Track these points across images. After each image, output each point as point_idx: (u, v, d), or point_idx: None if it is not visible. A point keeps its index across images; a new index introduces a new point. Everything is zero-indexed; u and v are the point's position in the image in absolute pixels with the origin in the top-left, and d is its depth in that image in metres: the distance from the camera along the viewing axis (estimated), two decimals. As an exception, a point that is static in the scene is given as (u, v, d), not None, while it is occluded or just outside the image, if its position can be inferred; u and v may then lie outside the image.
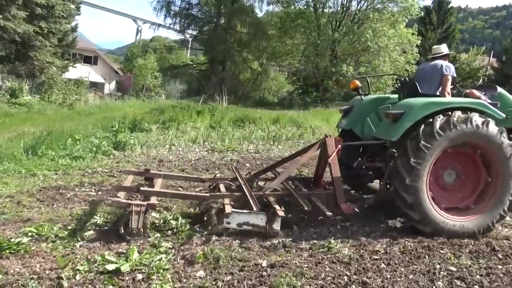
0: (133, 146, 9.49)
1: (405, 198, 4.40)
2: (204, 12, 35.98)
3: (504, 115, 4.80)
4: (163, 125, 13.16)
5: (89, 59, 53.98)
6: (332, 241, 4.22)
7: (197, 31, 39.39)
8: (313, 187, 5.45)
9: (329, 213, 4.48)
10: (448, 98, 5.18)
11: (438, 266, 3.77)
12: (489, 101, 5.19)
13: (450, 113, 4.45)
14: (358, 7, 35.98)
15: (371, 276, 3.54)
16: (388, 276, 3.56)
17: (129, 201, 4.31)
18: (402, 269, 3.71)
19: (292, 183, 5.53)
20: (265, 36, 37.13)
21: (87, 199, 5.63)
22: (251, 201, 4.53)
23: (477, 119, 4.46)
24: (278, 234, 4.33)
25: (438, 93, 5.37)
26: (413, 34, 35.72)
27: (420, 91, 5.25)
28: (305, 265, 3.70)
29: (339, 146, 4.93)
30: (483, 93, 5.55)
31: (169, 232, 4.43)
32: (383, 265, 3.77)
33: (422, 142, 4.36)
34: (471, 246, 4.30)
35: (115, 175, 7.10)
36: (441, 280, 3.53)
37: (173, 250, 3.97)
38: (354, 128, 5.75)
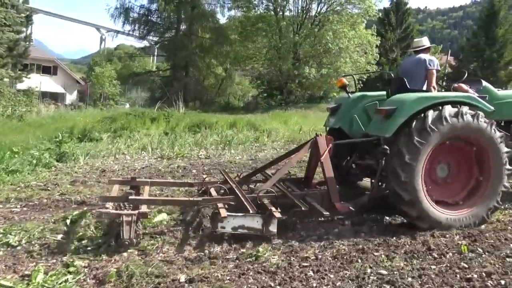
0: (76, 156, 9.00)
1: (402, 195, 4.38)
2: (163, 18, 35.39)
3: (493, 108, 4.86)
4: (115, 134, 12.67)
5: (48, 69, 52.37)
6: (261, 249, 3.96)
7: (158, 38, 38.79)
8: (303, 187, 5.37)
9: (326, 213, 4.46)
10: (440, 93, 5.21)
11: (369, 270, 3.57)
12: (477, 94, 5.20)
13: (440, 107, 4.47)
14: (318, 10, 36.31)
15: (297, 286, 3.30)
16: (315, 285, 3.32)
17: (119, 212, 4.19)
18: (331, 276, 3.48)
19: (283, 183, 5.39)
20: (227, 41, 36.92)
21: (9, 216, 5.19)
22: (246, 203, 4.43)
23: (467, 112, 4.51)
24: (275, 236, 4.24)
25: (424, 88, 5.37)
26: (372, 35, 36.30)
27: (408, 86, 5.23)
28: (228, 278, 3.42)
29: (331, 145, 4.91)
30: (469, 86, 5.60)
31: (90, 248, 4.07)
32: (311, 272, 3.53)
33: (416, 138, 4.36)
34: (407, 246, 4.12)
35: (49, 188, 6.65)
36: (370, 285, 3.32)
37: (86, 269, 3.62)
38: (343, 126, 5.71)
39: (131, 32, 37.08)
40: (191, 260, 3.81)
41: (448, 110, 4.47)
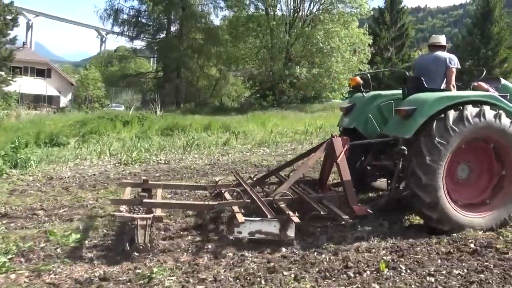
0: (30, 163, 8.67)
1: (423, 198, 4.29)
2: (153, 19, 35.11)
3: None
4: (83, 138, 12.35)
5: (42, 72, 52.12)
6: (155, 269, 3.61)
7: (150, 39, 38.52)
8: (318, 189, 5.25)
9: (345, 217, 4.27)
10: (461, 92, 5.07)
11: (267, 294, 3.22)
12: (497, 93, 5.02)
13: (461, 107, 4.36)
14: (309, 9, 35.96)
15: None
16: (198, 312, 2.98)
17: (134, 215, 4.10)
18: (223, 301, 3.13)
19: (297, 186, 5.22)
20: (218, 42, 36.62)
21: None
22: (263, 208, 4.33)
23: (489, 112, 4.40)
24: (293, 241, 4.13)
25: (442, 87, 5.23)
26: (364, 33, 35.91)
27: (425, 85, 5.07)
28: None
29: (347, 146, 4.77)
30: (488, 85, 5.43)
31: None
32: (202, 297, 3.19)
33: (437, 139, 4.26)
34: (325, 263, 3.76)
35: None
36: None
37: None
38: (358, 126, 5.54)
39: (125, 33, 36.81)
40: (80, 283, 3.47)
41: (470, 110, 4.35)
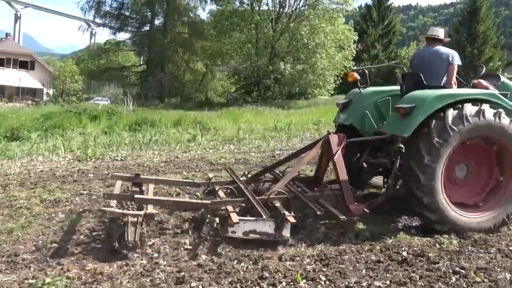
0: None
1: (421, 198, 4.22)
2: (136, 12, 34.54)
3: None
4: (46, 133, 11.93)
5: (25, 64, 51.27)
6: (49, 279, 3.29)
7: (134, 32, 37.93)
8: (314, 187, 5.14)
9: (342, 217, 4.19)
10: (461, 90, 4.96)
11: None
12: (497, 91, 4.91)
13: (460, 106, 4.28)
14: (294, 5, 35.64)
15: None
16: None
17: (124, 211, 3.98)
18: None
19: (292, 183, 5.10)
20: (203, 36, 36.20)
21: None
22: (258, 207, 4.24)
23: (489, 111, 4.32)
24: (288, 241, 4.04)
25: (442, 83, 5.11)
26: (349, 30, 35.72)
27: (424, 82, 4.95)
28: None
29: (343, 143, 4.68)
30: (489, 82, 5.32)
31: None
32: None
33: (436, 138, 4.17)
34: (241, 273, 3.47)
35: None
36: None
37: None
38: (354, 122, 5.42)
39: (107, 25, 36.14)
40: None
41: (469, 108, 4.26)
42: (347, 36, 35.42)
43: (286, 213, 4.09)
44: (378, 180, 5.92)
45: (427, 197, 4.21)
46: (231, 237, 3.98)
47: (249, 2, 35.48)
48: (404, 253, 3.85)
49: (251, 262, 3.69)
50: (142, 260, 3.72)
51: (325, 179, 5.57)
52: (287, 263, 3.66)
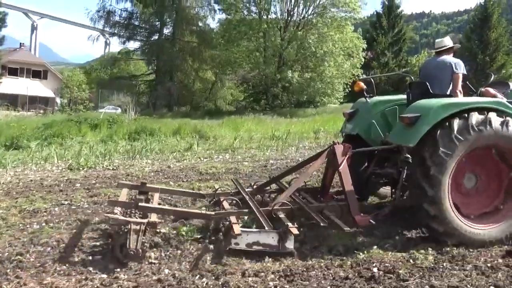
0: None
1: (428, 210, 4.13)
2: (144, 21, 34.90)
3: None
4: (45, 141, 12.01)
5: (38, 74, 52.13)
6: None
7: (143, 41, 38.30)
8: (320, 198, 5.12)
9: (347, 228, 4.11)
10: (467, 98, 4.95)
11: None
12: (505, 99, 4.82)
13: (466, 115, 4.19)
14: (302, 13, 35.62)
15: None
16: None
17: (128, 219, 3.98)
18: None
19: (298, 194, 5.10)
20: (211, 45, 36.38)
21: None
22: (261, 219, 4.20)
23: (496, 119, 4.22)
24: (292, 253, 3.98)
25: (448, 93, 5.10)
26: (358, 38, 35.54)
27: (431, 91, 4.94)
28: None
29: (349, 153, 4.62)
30: (496, 90, 5.24)
31: None
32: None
33: (441, 149, 4.10)
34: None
35: None
36: None
37: None
38: (360, 132, 5.38)
39: (117, 34, 36.50)
40: None
41: (475, 117, 4.17)
42: (356, 44, 35.26)
43: (290, 224, 4.03)
44: (385, 190, 5.85)
45: (434, 209, 4.12)
46: (234, 249, 3.95)
47: (257, 11, 35.57)
48: (375, 269, 3.68)
49: (213, 278, 3.56)
50: (102, 274, 3.63)
51: (332, 190, 5.53)
52: (250, 279, 3.53)
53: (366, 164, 5.44)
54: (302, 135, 13.92)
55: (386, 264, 3.78)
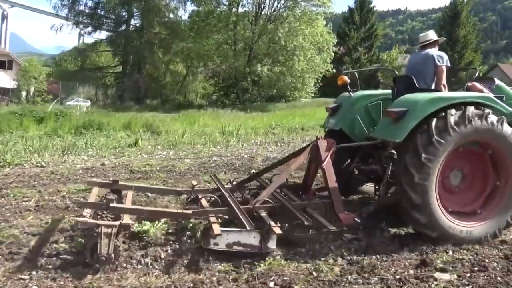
0: None
1: (412, 198, 3.99)
2: (111, 11, 33.79)
3: (511, 110, 4.55)
4: (-20, 136, 11.24)
5: (3, 64, 50.09)
6: None
7: (111, 32, 37.15)
8: (302, 195, 4.93)
9: (332, 227, 3.97)
10: (455, 93, 4.88)
11: None
12: (492, 94, 4.77)
13: (454, 110, 4.09)
14: (273, 7, 35.15)
15: None
16: None
17: (98, 222, 3.69)
18: None
19: (280, 191, 4.89)
20: (181, 37, 35.56)
21: None
22: (242, 217, 4.00)
23: (482, 114, 4.11)
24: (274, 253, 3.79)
25: (433, 87, 5.00)
26: (328, 32, 35.36)
27: (416, 85, 4.83)
28: None
29: (333, 149, 4.48)
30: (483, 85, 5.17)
31: None
32: None
33: (435, 137, 3.97)
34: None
35: None
36: None
37: None
38: (344, 127, 5.26)
39: (81, 24, 35.18)
40: None
41: (463, 112, 4.07)
42: (326, 39, 35.04)
43: (272, 223, 3.81)
44: (368, 187, 5.74)
45: (418, 198, 3.98)
46: (213, 250, 3.72)
47: (227, 3, 34.92)
48: (271, 284, 3.29)
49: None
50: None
51: (314, 186, 5.30)
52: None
53: (348, 160, 5.33)
54: (258, 130, 13.51)
55: (285, 278, 3.39)
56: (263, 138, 12.05)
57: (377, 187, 5.10)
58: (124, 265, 3.54)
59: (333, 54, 36.00)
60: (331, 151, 4.45)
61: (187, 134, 11.87)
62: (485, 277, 3.45)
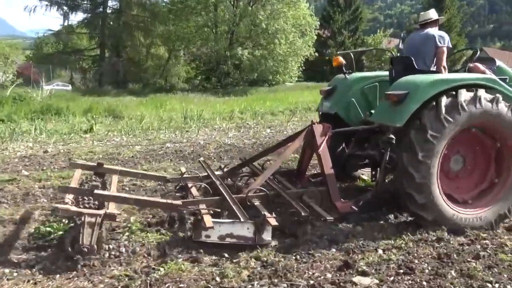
0: None
1: (415, 197, 3.86)
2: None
3: None
4: None
5: (-23, 46, 48.64)
6: None
7: (87, 13, 35.97)
8: (296, 181, 4.77)
9: (330, 218, 3.80)
10: (457, 75, 4.65)
11: None
12: (494, 75, 4.55)
13: (454, 93, 3.87)
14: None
15: None
16: None
17: (81, 210, 3.39)
18: None
19: (273, 178, 4.64)
20: (159, 19, 34.58)
21: None
22: (235, 208, 3.80)
23: (487, 96, 3.93)
24: (270, 245, 3.60)
25: (432, 68, 4.79)
26: (311, 15, 34.69)
27: (416, 66, 4.62)
28: None
29: (329, 134, 4.29)
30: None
31: None
32: None
33: (429, 132, 3.79)
34: None
35: None
36: None
37: None
38: (339, 111, 5.07)
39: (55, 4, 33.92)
40: None
41: (464, 95, 3.87)
42: (309, 21, 34.37)
43: (267, 214, 3.64)
44: (362, 173, 5.61)
45: (422, 197, 3.85)
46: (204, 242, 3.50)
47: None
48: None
49: None
50: None
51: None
52: None
53: (343, 145, 5.20)
54: (225, 115, 13.02)
55: (181, 285, 2.98)
56: (228, 124, 11.58)
57: (373, 173, 4.99)
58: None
59: (315, 37, 35.39)
60: (327, 136, 4.27)
61: (150, 119, 11.34)
62: (409, 281, 3.07)
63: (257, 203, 3.99)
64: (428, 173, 3.83)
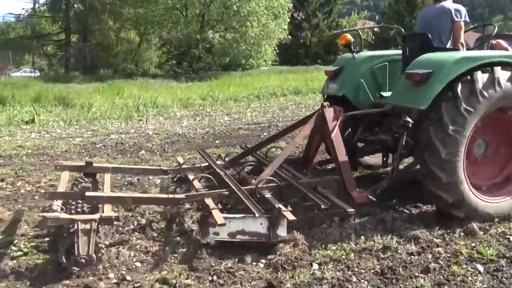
0: None
1: (440, 176, 3.56)
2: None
3: None
4: None
5: None
6: None
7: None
8: (303, 169, 4.47)
9: (351, 210, 3.48)
10: (483, 52, 4.24)
11: None
12: None
13: (490, 69, 3.62)
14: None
15: None
16: None
17: (72, 216, 3.01)
18: None
19: (280, 167, 4.20)
20: (128, 2, 33.30)
21: None
22: (247, 202, 3.46)
23: None
24: (285, 241, 3.28)
25: (448, 45, 4.49)
26: (283, -4, 33.87)
27: (433, 44, 4.31)
28: None
29: (341, 118, 3.95)
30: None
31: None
32: None
33: (464, 105, 3.54)
34: None
35: None
36: None
37: None
38: (347, 93, 4.71)
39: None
40: None
41: (500, 72, 3.64)
42: (281, 3, 33.56)
43: (282, 207, 3.31)
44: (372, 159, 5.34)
45: (447, 176, 3.57)
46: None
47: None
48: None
49: None
50: None
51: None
52: None
53: (350, 129, 4.84)
54: (184, 102, 12.35)
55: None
56: (184, 111, 10.93)
57: (384, 159, 4.82)
58: None
59: (288, 19, 34.66)
60: (339, 121, 3.92)
61: (104, 107, 10.60)
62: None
63: (268, 195, 3.67)
64: (456, 150, 3.57)
